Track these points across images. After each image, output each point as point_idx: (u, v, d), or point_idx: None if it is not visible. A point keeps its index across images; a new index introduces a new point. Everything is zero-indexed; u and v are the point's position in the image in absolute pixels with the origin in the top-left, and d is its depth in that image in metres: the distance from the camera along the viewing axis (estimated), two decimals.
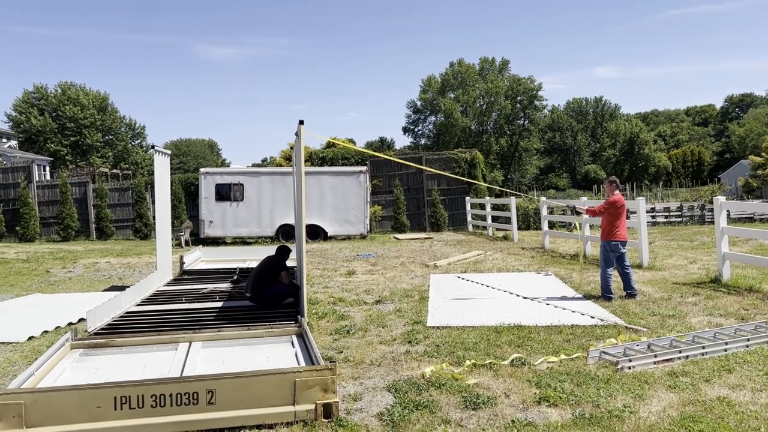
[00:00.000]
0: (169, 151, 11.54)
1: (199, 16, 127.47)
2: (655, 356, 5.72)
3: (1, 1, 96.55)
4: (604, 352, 5.89)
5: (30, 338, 7.36)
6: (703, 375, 5.36)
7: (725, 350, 5.98)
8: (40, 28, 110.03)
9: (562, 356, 5.95)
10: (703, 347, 5.96)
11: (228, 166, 40.50)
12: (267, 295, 8.47)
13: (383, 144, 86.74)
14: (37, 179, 25.38)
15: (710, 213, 25.46)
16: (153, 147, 10.47)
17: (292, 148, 14.15)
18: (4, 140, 49.78)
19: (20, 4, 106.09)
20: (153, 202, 23.97)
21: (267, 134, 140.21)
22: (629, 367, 5.55)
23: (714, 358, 5.84)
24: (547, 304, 8.62)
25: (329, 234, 20.71)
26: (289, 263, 11.17)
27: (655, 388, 5.06)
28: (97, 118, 56.81)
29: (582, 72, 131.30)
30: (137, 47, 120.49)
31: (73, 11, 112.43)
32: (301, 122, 7.23)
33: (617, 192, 9.27)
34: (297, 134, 7.57)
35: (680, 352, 5.84)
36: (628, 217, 10.05)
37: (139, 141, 64.61)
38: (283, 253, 8.98)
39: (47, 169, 45.57)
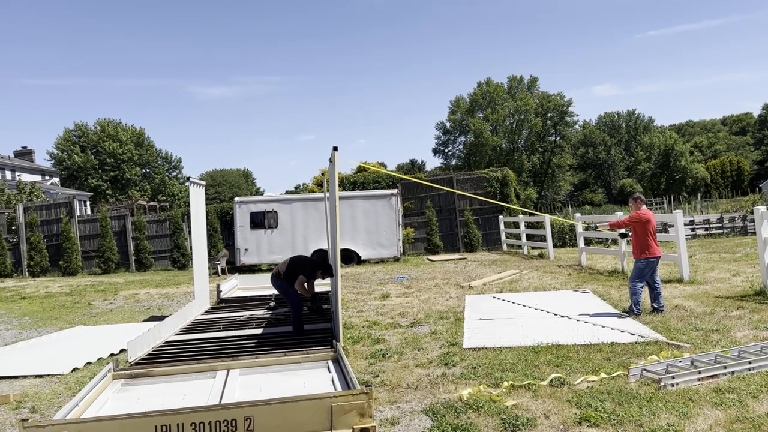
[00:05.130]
0: (204, 183, 11.80)
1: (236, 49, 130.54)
2: (699, 372, 5.56)
3: (46, 57, 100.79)
4: (645, 370, 5.76)
5: (74, 370, 7.54)
6: (750, 391, 5.19)
7: None
8: (77, 78, 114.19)
9: (603, 375, 5.83)
10: (750, 362, 5.77)
11: (262, 194, 41.10)
12: (281, 286, 8.58)
13: (414, 166, 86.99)
14: (78, 214, 26.12)
15: (752, 224, 24.74)
16: (188, 179, 10.72)
17: (324, 174, 14.30)
18: (47, 177, 51.52)
19: (60, 60, 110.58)
20: (190, 233, 24.45)
21: (304, 162, 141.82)
22: (672, 385, 5.41)
23: (762, 373, 5.65)
24: (585, 322, 8.47)
25: (362, 258, 20.77)
26: (324, 287, 11.23)
27: (700, 406, 4.92)
28: (135, 153, 58.51)
29: (581, 90, 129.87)
30: (163, 89, 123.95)
31: (120, 63, 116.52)
32: (335, 148, 7.26)
33: (643, 207, 9.14)
34: (331, 160, 7.65)
35: (725, 367, 5.67)
36: (666, 231, 9.86)
37: (175, 173, 66.17)
38: (320, 258, 8.90)
39: (88, 203, 46.94)
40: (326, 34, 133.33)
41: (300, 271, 8.56)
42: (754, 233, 23.96)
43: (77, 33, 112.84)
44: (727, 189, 67.95)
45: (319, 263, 8.79)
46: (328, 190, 12.22)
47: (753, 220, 24.63)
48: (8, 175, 46.50)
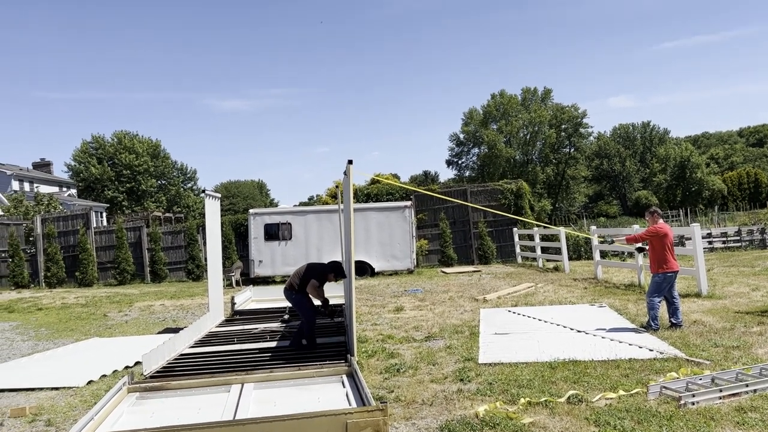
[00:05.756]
0: (219, 195, 11.85)
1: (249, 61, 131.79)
2: (721, 391, 5.46)
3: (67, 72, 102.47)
4: (665, 387, 5.66)
5: (89, 382, 7.56)
6: None
7: None
8: (95, 91, 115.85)
9: (621, 392, 5.74)
10: None
11: (276, 206, 41.24)
12: (295, 299, 8.49)
13: (427, 177, 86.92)
14: (94, 225, 26.33)
15: None
16: (204, 191, 10.78)
17: (338, 186, 14.33)
18: (64, 189, 52.12)
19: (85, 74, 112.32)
20: (204, 244, 24.55)
21: (318, 174, 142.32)
22: (693, 403, 5.31)
23: None
24: (602, 337, 8.36)
25: (376, 270, 20.73)
26: (338, 300, 11.19)
27: (722, 425, 4.82)
28: (151, 165, 59.05)
29: (596, 102, 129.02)
30: (179, 102, 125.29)
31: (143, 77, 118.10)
32: (350, 162, 7.28)
33: (660, 221, 9.03)
34: (345, 173, 7.66)
35: (747, 386, 5.55)
36: (683, 244, 9.72)
37: (190, 185, 66.66)
38: (332, 266, 8.69)
39: (104, 215, 47.40)
40: (340, 46, 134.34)
41: (312, 276, 8.46)
42: None
43: (95, 48, 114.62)
44: (745, 201, 67.15)
45: (330, 267, 8.66)
46: (342, 202, 12.26)
47: None
48: (26, 186, 47.11)
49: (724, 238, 24.75)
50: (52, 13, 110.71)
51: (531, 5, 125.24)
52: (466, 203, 21.84)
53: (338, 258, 18.96)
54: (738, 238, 24.57)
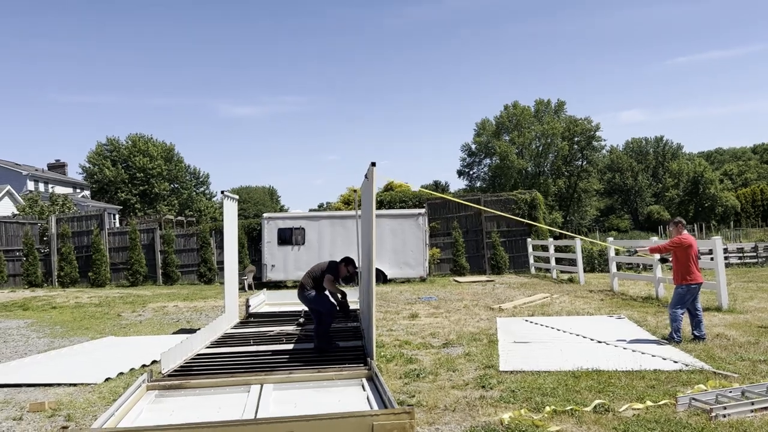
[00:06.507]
0: (237, 197, 11.85)
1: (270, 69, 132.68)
2: (753, 404, 5.33)
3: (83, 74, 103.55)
4: (694, 399, 5.54)
5: (107, 380, 7.53)
6: None
7: None
8: (111, 95, 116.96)
9: (649, 403, 5.63)
10: None
11: (287, 211, 41.22)
12: (310, 297, 8.44)
13: (438, 187, 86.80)
14: (108, 227, 26.47)
15: None
16: (222, 192, 10.77)
17: (356, 191, 14.28)
18: (78, 190, 52.50)
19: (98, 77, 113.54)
20: (217, 248, 24.60)
21: (328, 181, 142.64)
22: (724, 416, 5.19)
23: None
24: (624, 348, 8.23)
25: (388, 277, 20.65)
26: (353, 306, 11.13)
27: None
28: (164, 168, 59.37)
29: (608, 115, 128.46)
30: (193, 108, 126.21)
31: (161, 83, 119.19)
32: (373, 164, 7.18)
33: (685, 232, 8.90)
34: (367, 176, 7.60)
35: None
36: (699, 257, 9.55)
37: (202, 189, 66.93)
38: (343, 260, 8.65)
39: (116, 217, 47.65)
40: (352, 55, 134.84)
41: (326, 272, 8.42)
42: None
43: (111, 53, 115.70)
44: (758, 218, 66.57)
45: (341, 260, 8.63)
46: (359, 207, 12.19)
47: None
48: (41, 187, 47.49)
49: (741, 254, 24.50)
50: (70, 19, 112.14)
51: (545, 18, 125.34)
52: (484, 209, 21.63)
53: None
54: (755, 254, 24.30)
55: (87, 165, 58.78)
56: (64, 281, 24.61)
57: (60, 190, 45.80)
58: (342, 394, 6.13)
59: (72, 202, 35.67)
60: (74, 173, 58.44)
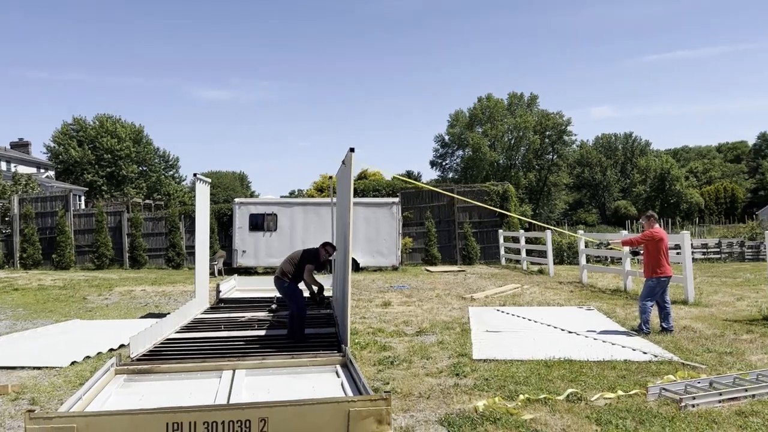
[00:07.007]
0: (209, 180, 11.63)
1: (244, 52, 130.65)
2: (720, 394, 5.45)
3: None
4: (664, 389, 5.64)
5: (73, 363, 7.35)
6: None
7: None
8: (78, 73, 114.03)
9: (620, 392, 5.71)
10: None
11: (258, 197, 40.77)
12: (287, 289, 8.32)
13: (410, 177, 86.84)
14: (73, 208, 25.82)
15: (750, 250, 24.77)
16: (195, 175, 10.55)
17: (330, 177, 14.17)
18: (42, 170, 51.11)
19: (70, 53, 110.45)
20: (186, 232, 24.21)
21: (299, 168, 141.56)
22: (693, 405, 5.29)
23: None
24: (594, 338, 8.34)
25: (361, 265, 20.59)
26: (326, 293, 11.05)
27: (724, 428, 4.80)
28: (133, 150, 58.13)
29: (579, 111, 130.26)
30: (163, 89, 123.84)
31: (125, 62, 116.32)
32: (352, 150, 7.08)
33: (656, 226, 9.04)
34: (344, 162, 7.51)
35: (746, 390, 5.55)
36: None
37: (172, 172, 65.76)
38: (321, 244, 8.54)
39: (82, 198, 46.57)
40: (325, 42, 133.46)
41: (307, 261, 8.28)
42: (752, 259, 24.02)
43: (79, 30, 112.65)
44: (721, 215, 68.22)
45: (319, 246, 8.52)
46: (334, 194, 12.10)
47: (751, 247, 24.69)
48: (3, 166, 46.12)
49: (704, 250, 25.07)
50: None
51: (521, 12, 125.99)
52: (462, 198, 21.61)
53: None
54: (718, 250, 24.89)
55: (52, 145, 57.16)
56: (27, 263, 23.95)
57: (23, 169, 44.52)
58: (316, 380, 6.07)
59: (36, 183, 34.72)
60: (38, 153, 56.78)
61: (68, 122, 58.68)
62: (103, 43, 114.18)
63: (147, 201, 42.80)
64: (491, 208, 19.39)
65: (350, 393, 5.50)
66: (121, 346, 8.23)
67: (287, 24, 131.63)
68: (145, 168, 61.16)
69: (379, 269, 20.92)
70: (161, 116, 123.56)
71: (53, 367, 7.11)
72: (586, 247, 16.70)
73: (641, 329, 8.65)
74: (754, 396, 5.52)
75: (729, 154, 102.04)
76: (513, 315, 10.58)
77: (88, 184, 53.84)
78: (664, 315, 8.77)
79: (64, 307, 12.75)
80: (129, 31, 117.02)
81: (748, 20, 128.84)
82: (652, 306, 8.80)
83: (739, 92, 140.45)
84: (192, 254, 22.33)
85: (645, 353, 7.33)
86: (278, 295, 10.60)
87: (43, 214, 24.98)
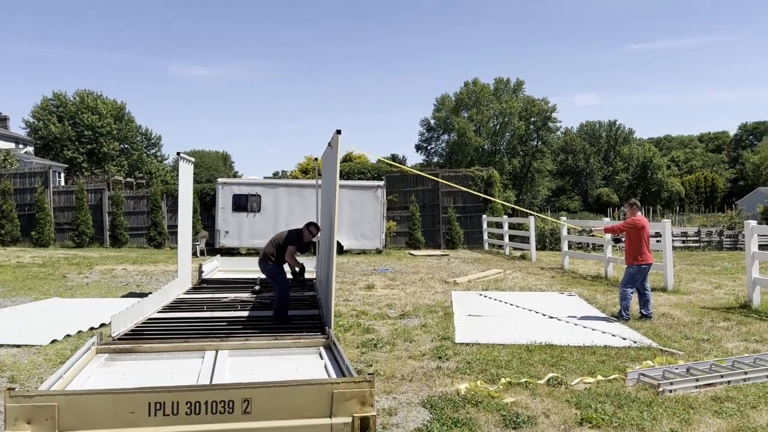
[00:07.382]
0: (193, 159, 11.51)
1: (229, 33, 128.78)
2: (697, 380, 5.55)
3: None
4: (642, 374, 5.73)
5: (53, 341, 7.29)
6: (748, 401, 5.18)
7: None
8: (57, 48, 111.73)
9: (599, 377, 5.79)
10: (746, 373, 5.78)
11: (241, 177, 40.54)
12: (271, 271, 8.29)
13: (395, 161, 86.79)
14: (53, 185, 25.43)
15: (728, 239, 25.18)
16: (178, 154, 10.43)
17: (316, 159, 14.10)
18: (21, 146, 50.19)
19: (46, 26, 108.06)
20: (168, 211, 24.00)
21: (284, 149, 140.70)
22: (670, 391, 5.38)
23: (756, 384, 5.67)
24: (575, 324, 8.45)
25: (345, 248, 20.60)
26: (309, 275, 11.03)
27: (700, 413, 4.89)
28: (114, 127, 57.27)
29: (564, 98, 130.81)
30: (145, 66, 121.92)
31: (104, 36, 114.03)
32: (339, 132, 7.03)
33: (639, 213, 9.13)
34: (330, 144, 7.46)
35: (722, 377, 5.66)
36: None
37: (154, 151, 64.98)
38: (305, 225, 8.49)
39: (62, 175, 45.89)
40: (312, 22, 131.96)
41: (290, 242, 8.24)
42: (731, 248, 24.42)
43: (60, 4, 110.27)
44: (700, 204, 69.13)
45: (303, 227, 8.49)
46: (319, 176, 12.04)
47: (730, 236, 25.08)
48: None
49: (684, 238, 25.44)
50: None
51: None
52: (445, 182, 21.64)
53: None
54: (697, 238, 25.27)
55: (31, 120, 56.12)
56: (5, 240, 23.61)
57: (1, 144, 43.69)
58: (299, 362, 6.07)
59: (15, 158, 34.10)
60: (17, 128, 55.74)
61: (48, 97, 57.60)
62: (85, 18, 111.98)
63: (128, 179, 42.29)
64: (475, 193, 19.45)
65: (333, 374, 5.51)
66: (102, 325, 8.18)
67: (273, 3, 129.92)
68: (126, 146, 60.33)
69: (363, 252, 20.94)
70: (143, 94, 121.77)
71: (33, 345, 7.05)
72: (568, 233, 16.84)
73: (621, 315, 8.77)
74: (729, 382, 5.63)
75: (710, 144, 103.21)
76: (495, 300, 10.66)
77: (68, 160, 53.00)
78: (644, 302, 8.89)
79: (43, 284, 12.61)
80: (110, 7, 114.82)
81: (730, 11, 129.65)
82: (632, 293, 8.92)
83: (721, 83, 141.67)
84: (174, 234, 22.18)
85: (624, 339, 7.44)
86: (262, 276, 10.59)
87: (21, 191, 24.61)
